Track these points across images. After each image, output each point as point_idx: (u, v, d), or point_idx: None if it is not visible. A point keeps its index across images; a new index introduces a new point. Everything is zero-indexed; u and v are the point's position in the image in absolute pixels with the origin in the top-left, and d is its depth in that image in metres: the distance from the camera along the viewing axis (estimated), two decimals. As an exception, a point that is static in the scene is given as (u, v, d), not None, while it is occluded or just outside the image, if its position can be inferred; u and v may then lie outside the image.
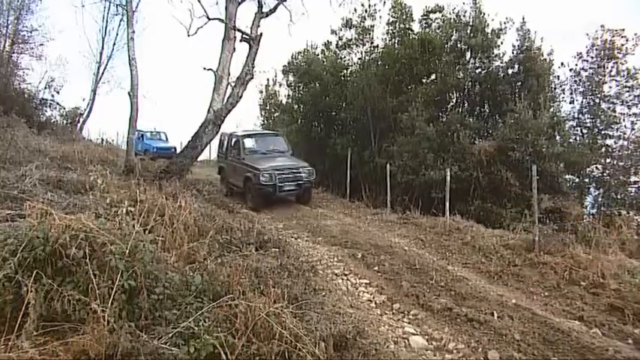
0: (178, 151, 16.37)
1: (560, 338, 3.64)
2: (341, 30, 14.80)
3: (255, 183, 9.39)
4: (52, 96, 16.71)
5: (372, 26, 14.11)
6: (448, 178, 7.83)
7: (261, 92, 18.84)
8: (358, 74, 14.30)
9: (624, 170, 10.09)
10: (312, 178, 10.09)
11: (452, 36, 12.42)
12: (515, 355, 3.41)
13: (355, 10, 14.04)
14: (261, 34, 10.83)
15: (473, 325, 3.91)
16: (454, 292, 4.69)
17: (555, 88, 11.52)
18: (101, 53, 18.74)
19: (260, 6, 10.98)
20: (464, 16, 12.45)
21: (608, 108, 10.75)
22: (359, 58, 14.68)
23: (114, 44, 18.64)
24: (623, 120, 10.57)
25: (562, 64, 11.62)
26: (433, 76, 12.85)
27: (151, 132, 19.90)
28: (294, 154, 11.36)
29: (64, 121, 17.64)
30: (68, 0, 25.70)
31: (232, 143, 11.07)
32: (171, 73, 48.55)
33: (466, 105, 12.63)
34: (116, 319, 2.54)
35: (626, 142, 10.35)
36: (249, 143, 10.86)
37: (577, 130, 11.22)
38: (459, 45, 12.23)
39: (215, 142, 12.63)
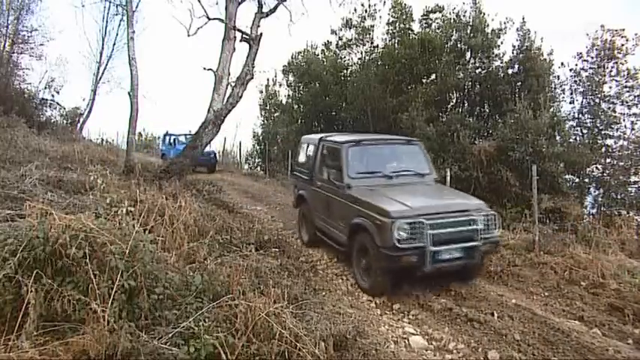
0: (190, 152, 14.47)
1: (560, 338, 3.64)
2: (341, 30, 14.83)
3: (382, 245, 4.38)
4: (52, 96, 16.73)
5: (372, 26, 14.12)
6: (448, 178, 7.83)
7: (261, 92, 18.84)
8: (358, 74, 14.30)
9: (624, 170, 10.07)
10: (495, 236, 4.83)
11: (452, 36, 12.43)
12: (515, 355, 3.41)
13: (355, 10, 14.06)
14: (261, 34, 10.82)
15: (473, 325, 3.91)
16: (454, 292, 4.69)
17: (555, 88, 11.51)
18: (101, 53, 18.74)
19: (260, 6, 10.97)
20: (464, 16, 12.46)
21: (608, 108, 10.72)
22: (359, 58, 14.70)
23: (114, 44, 18.64)
24: (623, 120, 10.55)
25: (562, 64, 11.59)
26: (433, 76, 12.85)
27: (186, 135, 15.68)
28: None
29: (64, 121, 17.65)
30: (68, 0, 25.73)
31: (324, 155, 6.13)
32: (171, 73, 48.59)
33: (466, 105, 12.63)
34: (116, 319, 2.54)
35: (626, 142, 10.33)
36: (359, 158, 5.60)
37: (577, 130, 11.19)
38: (459, 45, 12.23)
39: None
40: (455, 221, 4.51)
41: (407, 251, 4.28)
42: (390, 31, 13.69)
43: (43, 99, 16.56)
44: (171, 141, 16.28)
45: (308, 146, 6.82)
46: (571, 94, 11.45)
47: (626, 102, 10.55)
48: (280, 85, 18.14)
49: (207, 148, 15.33)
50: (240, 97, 10.68)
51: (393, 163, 5.81)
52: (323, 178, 5.96)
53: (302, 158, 7.01)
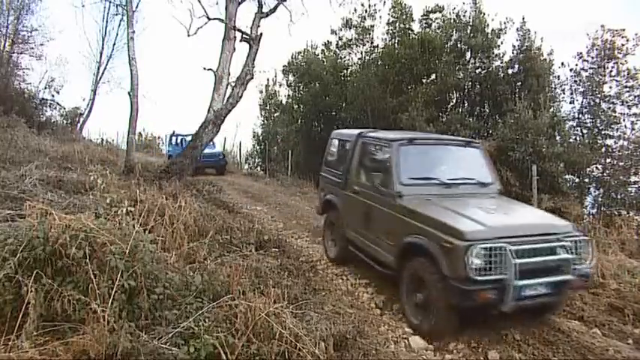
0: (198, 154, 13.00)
1: (560, 338, 3.64)
2: (341, 30, 14.83)
3: (451, 275, 3.41)
4: (52, 96, 16.77)
5: (372, 26, 14.13)
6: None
7: (261, 92, 18.85)
8: (358, 74, 14.30)
9: (624, 170, 10.07)
10: (588, 267, 3.76)
11: (452, 36, 12.44)
12: (515, 355, 3.41)
13: (355, 10, 14.06)
14: (261, 34, 10.82)
15: (473, 324, 3.91)
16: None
17: (555, 88, 11.52)
18: (101, 53, 18.76)
19: (260, 6, 10.97)
20: (464, 16, 12.47)
21: (609, 108, 10.72)
22: (359, 58, 14.70)
23: (114, 44, 18.65)
24: (623, 120, 10.55)
25: (562, 64, 11.60)
26: (433, 76, 12.86)
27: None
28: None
29: (64, 121, 17.68)
30: (68, 0, 25.73)
31: (364, 154, 5.15)
32: (171, 73, 48.58)
33: (466, 105, 12.64)
34: (116, 319, 2.54)
35: (626, 142, 10.33)
36: (411, 160, 4.56)
37: (577, 130, 11.19)
38: (459, 45, 12.24)
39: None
40: (542, 247, 3.48)
41: (484, 285, 3.27)
42: (390, 31, 13.69)
43: (43, 99, 16.60)
44: (178, 141, 15.73)
45: (341, 143, 5.83)
46: (571, 94, 11.46)
47: (626, 102, 10.55)
48: (280, 85, 18.16)
49: (216, 149, 15.30)
50: (240, 97, 10.68)
51: (449, 167, 4.74)
52: (361, 182, 4.98)
53: (332, 157, 5.99)
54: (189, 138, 14.15)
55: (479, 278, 3.27)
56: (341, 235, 5.38)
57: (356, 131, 5.59)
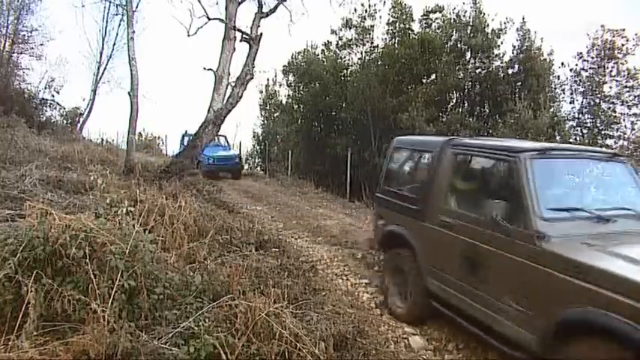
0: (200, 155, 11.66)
1: (561, 338, 3.59)
2: (341, 30, 14.85)
3: None
4: (52, 96, 16.78)
5: (372, 26, 14.15)
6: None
7: (261, 92, 18.89)
8: (358, 74, 14.32)
9: (624, 170, 10.09)
10: None
11: (452, 36, 12.46)
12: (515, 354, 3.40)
13: (355, 10, 14.08)
14: (261, 34, 10.83)
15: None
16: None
17: (555, 88, 11.55)
18: (101, 53, 18.76)
19: (260, 6, 10.97)
20: (464, 16, 12.49)
21: (608, 108, 10.75)
22: (359, 58, 14.72)
23: (114, 44, 18.65)
24: (623, 120, 10.58)
25: (562, 64, 11.63)
26: (433, 76, 12.88)
27: None
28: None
29: (64, 121, 17.68)
30: (68, 0, 25.71)
31: (456, 171, 3.81)
32: (171, 73, 48.60)
33: (466, 105, 12.66)
34: (116, 319, 2.54)
35: (626, 142, 10.35)
36: (549, 182, 3.16)
37: (577, 130, 11.22)
38: (459, 45, 12.26)
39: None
40: None
41: None
42: (390, 31, 13.71)
43: (43, 99, 16.61)
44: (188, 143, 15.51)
45: (413, 155, 4.44)
46: (571, 94, 11.48)
47: (626, 102, 10.57)
48: (280, 85, 18.20)
49: (230, 151, 14.40)
50: (240, 97, 10.68)
51: (595, 192, 3.50)
52: (457, 211, 3.52)
53: (398, 173, 4.70)
54: None
55: None
56: (418, 286, 3.83)
57: (440, 138, 4.20)
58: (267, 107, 18.86)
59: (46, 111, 16.85)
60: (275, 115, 18.47)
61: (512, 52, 11.79)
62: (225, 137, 15.31)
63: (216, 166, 12.72)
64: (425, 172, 4.10)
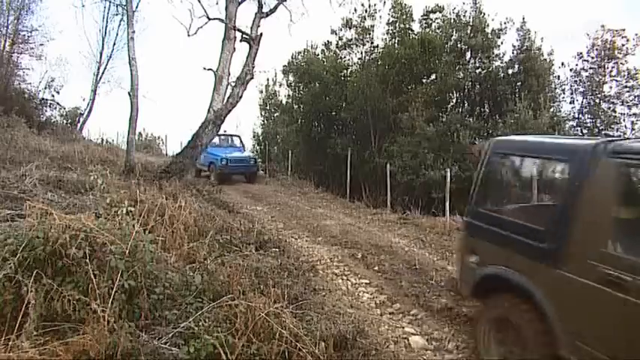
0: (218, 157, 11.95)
1: (561, 338, 3.57)
2: (341, 30, 14.82)
3: None
4: (52, 96, 16.80)
5: (372, 26, 14.13)
6: (448, 178, 7.84)
7: (261, 92, 18.86)
8: (358, 74, 14.31)
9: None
10: None
11: (452, 36, 12.44)
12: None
13: (355, 10, 14.06)
14: (261, 34, 10.83)
15: (473, 324, 3.90)
16: (454, 291, 4.67)
17: (555, 88, 11.55)
18: (101, 53, 18.72)
19: (260, 6, 10.98)
20: (464, 16, 12.48)
21: (608, 108, 10.75)
22: (359, 58, 14.70)
23: (114, 44, 18.60)
24: (623, 120, 10.59)
25: (562, 64, 11.63)
26: (433, 76, 12.87)
27: (220, 136, 12.76)
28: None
29: (64, 121, 17.68)
30: (68, 0, 25.70)
31: (630, 193, 2.49)
32: (171, 73, 48.53)
33: (466, 105, 12.65)
34: (116, 319, 2.54)
35: (626, 142, 10.36)
36: None
37: (577, 130, 11.22)
38: (459, 45, 12.24)
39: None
40: None
41: None
42: (390, 31, 13.70)
43: (43, 99, 16.63)
44: None
45: (530, 165, 3.39)
46: (571, 94, 11.49)
47: (626, 102, 10.58)
48: (280, 85, 18.17)
49: (245, 153, 13.42)
50: (240, 97, 10.69)
51: None
52: (633, 259, 2.23)
53: (507, 191, 3.67)
54: (215, 140, 12.76)
55: None
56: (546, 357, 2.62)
57: (583, 141, 3.17)
58: (267, 107, 18.84)
59: (46, 111, 16.90)
60: (275, 115, 18.45)
61: (512, 52, 11.79)
62: (240, 137, 14.56)
63: (230, 169, 12.14)
64: (559, 191, 2.97)
